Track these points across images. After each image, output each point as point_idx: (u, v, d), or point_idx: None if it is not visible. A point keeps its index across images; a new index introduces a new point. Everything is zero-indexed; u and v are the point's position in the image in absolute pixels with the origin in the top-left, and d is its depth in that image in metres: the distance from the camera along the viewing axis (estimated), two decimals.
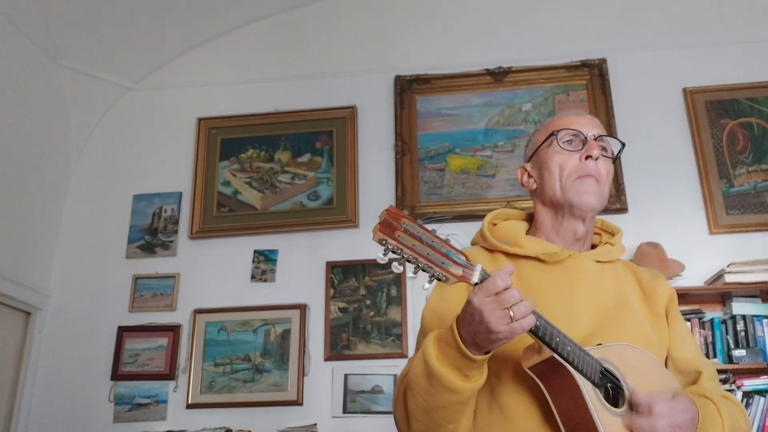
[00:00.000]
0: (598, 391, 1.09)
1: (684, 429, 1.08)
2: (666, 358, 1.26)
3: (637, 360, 1.16)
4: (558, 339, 1.05)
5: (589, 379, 1.08)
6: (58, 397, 3.33)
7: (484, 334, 1.01)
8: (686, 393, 1.17)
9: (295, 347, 3.27)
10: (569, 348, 1.06)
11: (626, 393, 1.12)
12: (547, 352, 1.06)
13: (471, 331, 1.02)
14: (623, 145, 1.38)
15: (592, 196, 1.27)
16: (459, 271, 0.98)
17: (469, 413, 1.14)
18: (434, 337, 1.11)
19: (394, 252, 0.95)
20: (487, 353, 1.06)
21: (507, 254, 1.31)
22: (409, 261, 0.96)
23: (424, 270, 0.97)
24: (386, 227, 0.95)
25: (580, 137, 1.31)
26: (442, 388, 1.07)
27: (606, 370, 1.11)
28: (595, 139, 1.31)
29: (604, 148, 1.31)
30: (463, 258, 0.99)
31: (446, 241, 0.98)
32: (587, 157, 1.28)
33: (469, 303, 1.01)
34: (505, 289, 0.99)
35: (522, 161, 1.45)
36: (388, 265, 0.96)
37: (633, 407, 1.09)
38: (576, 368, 1.06)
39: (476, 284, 1.00)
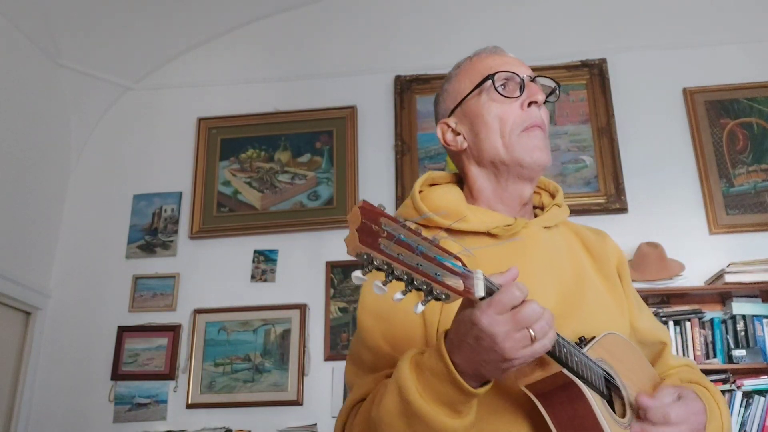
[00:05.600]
0: (605, 403, 0.93)
1: (700, 431, 0.99)
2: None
3: (621, 351, 1.03)
4: (566, 349, 0.86)
5: (597, 391, 0.92)
6: (58, 397, 3.33)
7: (495, 362, 0.79)
8: (688, 387, 1.08)
9: (295, 347, 3.27)
10: (576, 358, 0.87)
11: (624, 396, 0.99)
12: (555, 367, 0.87)
13: (476, 360, 0.80)
14: (558, 85, 1.15)
15: (543, 152, 1.07)
16: (459, 284, 0.73)
17: None
18: (409, 364, 0.86)
19: (378, 269, 0.70)
20: (487, 382, 0.84)
21: (449, 230, 1.04)
22: (399, 279, 0.71)
23: (418, 289, 0.72)
24: (366, 235, 0.69)
25: (516, 80, 1.09)
26: (429, 430, 0.83)
27: (606, 374, 0.98)
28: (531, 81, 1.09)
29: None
30: (460, 264, 0.74)
31: (435, 243, 0.73)
32: (530, 104, 1.08)
33: (473, 324, 0.78)
34: (523, 301, 0.77)
35: None
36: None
37: (642, 414, 0.97)
38: (585, 382, 0.89)
39: (482, 298, 0.76)
